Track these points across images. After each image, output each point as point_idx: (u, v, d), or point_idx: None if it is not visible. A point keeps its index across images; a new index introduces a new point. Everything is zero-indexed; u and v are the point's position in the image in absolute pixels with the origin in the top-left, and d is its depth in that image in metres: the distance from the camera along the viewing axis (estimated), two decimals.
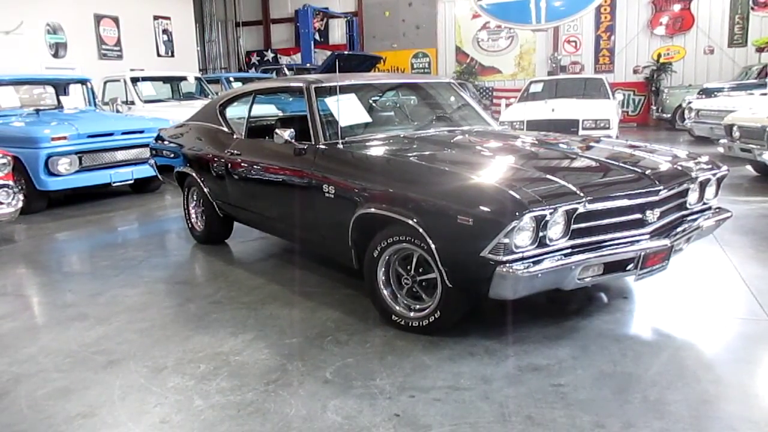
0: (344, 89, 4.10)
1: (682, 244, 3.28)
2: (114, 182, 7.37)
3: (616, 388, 2.63)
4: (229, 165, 4.56)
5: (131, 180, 7.53)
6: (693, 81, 16.05)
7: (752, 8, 15.76)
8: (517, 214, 2.62)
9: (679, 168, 3.41)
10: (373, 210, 3.21)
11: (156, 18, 16.39)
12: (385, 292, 3.30)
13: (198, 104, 7.81)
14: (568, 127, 8.60)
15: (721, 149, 8.10)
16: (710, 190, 3.57)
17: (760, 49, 15.03)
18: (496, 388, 2.66)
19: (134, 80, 10.47)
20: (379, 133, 4.17)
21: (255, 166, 4.32)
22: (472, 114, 4.86)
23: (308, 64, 16.20)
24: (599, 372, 2.78)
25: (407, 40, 19.12)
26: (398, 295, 3.29)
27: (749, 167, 7.97)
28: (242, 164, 4.44)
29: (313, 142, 3.84)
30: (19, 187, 6.05)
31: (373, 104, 4.71)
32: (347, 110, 4.04)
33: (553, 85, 10.91)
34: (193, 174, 5.08)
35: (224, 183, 4.67)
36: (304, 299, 3.84)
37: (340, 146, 3.75)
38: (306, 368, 2.90)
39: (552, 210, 2.71)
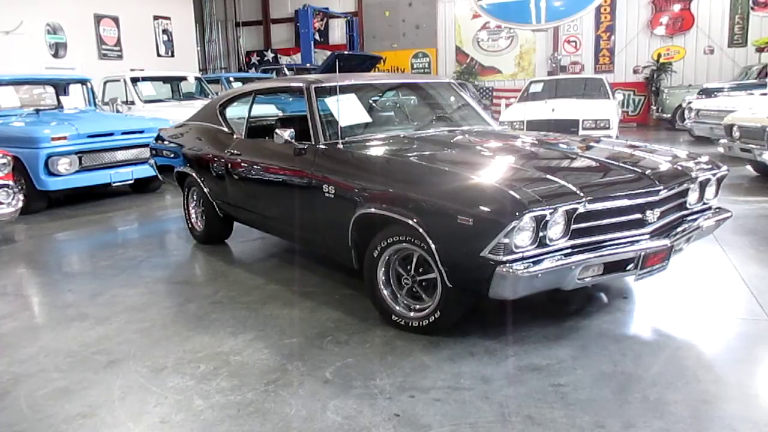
0: (344, 89, 4.10)
1: (682, 244, 3.28)
2: (114, 182, 7.37)
3: (616, 388, 2.63)
4: (229, 165, 4.56)
5: (131, 180, 7.53)
6: (693, 81, 16.05)
7: (752, 8, 15.76)
8: (517, 214, 2.62)
9: (679, 168, 3.41)
10: (373, 210, 3.21)
11: (156, 18, 16.39)
12: (385, 292, 3.30)
13: (198, 104, 7.80)
14: (568, 127, 8.61)
15: (721, 149, 8.09)
16: (710, 190, 3.57)
17: (760, 49, 15.02)
18: (496, 388, 2.66)
19: (134, 80, 10.47)
20: (379, 133, 4.17)
21: (255, 166, 4.32)
22: (472, 114, 4.86)
23: (308, 64, 16.20)
24: (599, 372, 2.78)
25: (407, 40, 19.12)
26: (398, 295, 3.29)
27: (749, 167, 7.97)
28: (242, 164, 4.44)
29: (313, 142, 3.84)
30: (19, 187, 6.05)
31: (373, 104, 4.71)
32: (347, 110, 4.04)
33: (553, 85, 10.90)
34: (193, 174, 5.08)
35: (224, 183, 4.67)
36: (304, 299, 3.84)
37: (340, 146, 3.76)
38: (306, 368, 2.90)
39: (552, 210, 2.71)
